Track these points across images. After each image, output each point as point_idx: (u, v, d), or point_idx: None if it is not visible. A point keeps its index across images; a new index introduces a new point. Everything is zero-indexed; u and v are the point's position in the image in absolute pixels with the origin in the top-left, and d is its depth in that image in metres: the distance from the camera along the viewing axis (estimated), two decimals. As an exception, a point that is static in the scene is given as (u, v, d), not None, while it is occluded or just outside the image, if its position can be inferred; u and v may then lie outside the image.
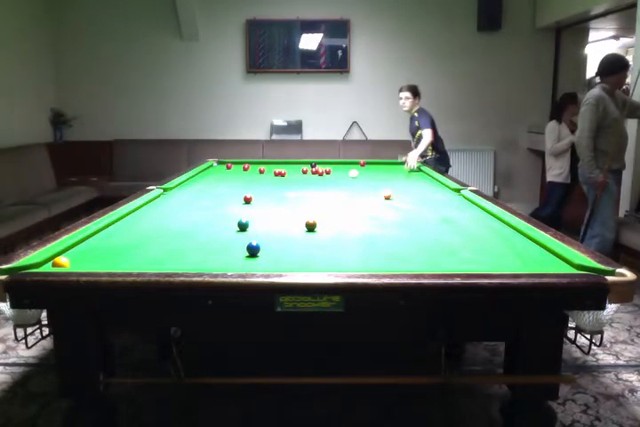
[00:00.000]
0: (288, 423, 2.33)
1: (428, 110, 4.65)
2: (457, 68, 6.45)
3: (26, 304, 1.65)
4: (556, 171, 4.84)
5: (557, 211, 5.00)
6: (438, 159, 4.67)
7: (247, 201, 2.91)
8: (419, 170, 4.30)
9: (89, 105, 6.53)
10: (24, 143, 5.65)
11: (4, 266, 1.70)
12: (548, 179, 4.97)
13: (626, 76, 4.03)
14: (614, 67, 3.82)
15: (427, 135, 4.47)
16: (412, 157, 4.35)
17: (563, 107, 4.86)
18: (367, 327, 1.80)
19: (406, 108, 4.64)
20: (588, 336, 1.74)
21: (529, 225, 2.27)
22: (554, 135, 4.80)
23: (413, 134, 4.73)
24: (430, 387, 2.41)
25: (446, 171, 4.65)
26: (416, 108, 4.63)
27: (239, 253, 1.93)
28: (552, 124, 4.86)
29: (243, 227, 2.30)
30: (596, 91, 3.82)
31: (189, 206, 2.88)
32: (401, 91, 4.63)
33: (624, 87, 4.02)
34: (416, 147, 4.54)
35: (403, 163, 4.49)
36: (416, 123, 4.61)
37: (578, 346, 1.81)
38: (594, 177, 3.80)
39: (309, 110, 6.56)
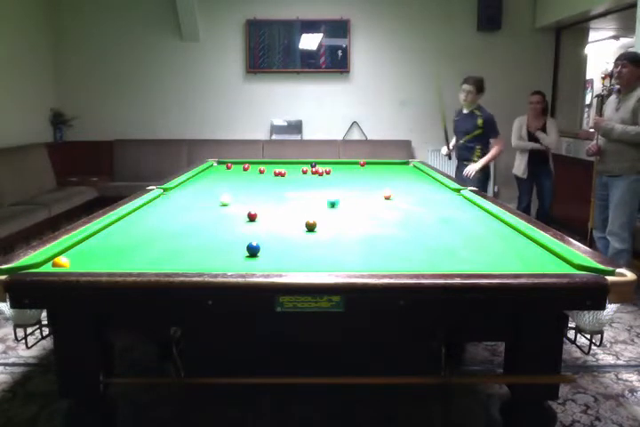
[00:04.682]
0: (288, 423, 2.33)
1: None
2: (457, 68, 6.41)
3: (26, 304, 1.65)
4: (517, 162, 5.10)
5: (529, 202, 5.15)
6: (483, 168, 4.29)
7: (252, 218, 2.48)
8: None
9: (89, 105, 6.53)
10: (24, 143, 5.65)
11: (4, 266, 1.70)
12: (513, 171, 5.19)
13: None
14: None
15: (498, 146, 4.16)
16: (474, 168, 4.14)
17: None
18: (367, 327, 1.80)
19: (466, 102, 4.21)
20: (588, 336, 1.74)
21: (529, 225, 2.27)
22: (516, 132, 5.05)
23: (466, 132, 4.29)
24: (430, 387, 2.40)
25: (487, 179, 4.38)
26: (475, 104, 4.22)
27: (239, 253, 1.93)
28: (516, 121, 5.10)
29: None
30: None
31: (189, 206, 2.88)
32: (465, 82, 4.16)
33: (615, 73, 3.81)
34: (463, 144, 4.26)
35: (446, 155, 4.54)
36: (478, 121, 4.20)
37: (578, 346, 1.81)
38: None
39: (309, 110, 6.55)
